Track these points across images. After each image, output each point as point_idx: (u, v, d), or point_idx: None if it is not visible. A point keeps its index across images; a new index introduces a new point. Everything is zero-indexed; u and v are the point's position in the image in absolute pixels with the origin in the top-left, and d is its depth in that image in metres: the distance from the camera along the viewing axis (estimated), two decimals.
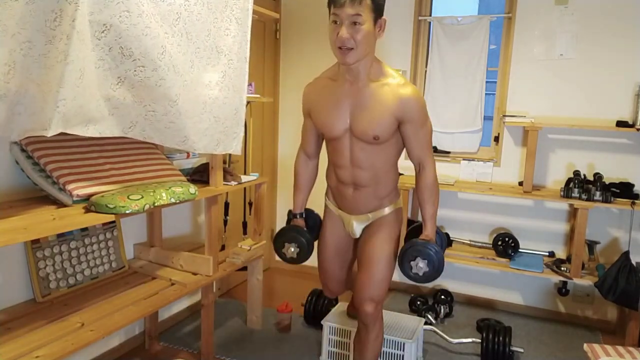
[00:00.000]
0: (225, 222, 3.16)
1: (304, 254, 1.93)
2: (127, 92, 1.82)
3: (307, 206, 2.17)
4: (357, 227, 1.97)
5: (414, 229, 1.94)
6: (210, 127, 2.23)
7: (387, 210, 1.91)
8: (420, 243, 1.74)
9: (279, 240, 1.95)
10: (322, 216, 2.15)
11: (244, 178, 2.80)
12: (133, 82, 1.80)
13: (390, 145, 1.79)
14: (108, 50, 1.69)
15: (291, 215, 2.03)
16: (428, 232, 1.81)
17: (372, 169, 1.81)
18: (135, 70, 1.78)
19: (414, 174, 3.68)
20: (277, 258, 4.14)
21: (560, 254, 3.31)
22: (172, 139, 2.07)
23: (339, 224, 2.00)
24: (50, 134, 1.54)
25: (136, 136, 1.95)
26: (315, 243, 2.07)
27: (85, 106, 1.65)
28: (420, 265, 1.73)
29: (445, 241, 1.94)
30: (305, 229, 1.96)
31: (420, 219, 1.94)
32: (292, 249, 1.91)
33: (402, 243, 1.94)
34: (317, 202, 2.23)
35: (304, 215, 2.02)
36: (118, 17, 1.65)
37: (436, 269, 1.74)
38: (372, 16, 1.60)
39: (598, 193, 2.93)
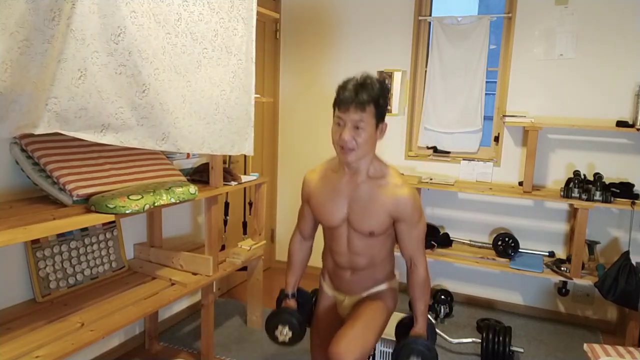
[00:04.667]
0: (225, 222, 3.16)
1: (296, 337, 1.93)
2: (154, 100, 1.81)
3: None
4: (351, 304, 1.97)
5: (403, 324, 1.95)
6: (224, 128, 2.24)
7: (382, 286, 1.94)
8: (412, 341, 1.77)
9: (273, 322, 1.93)
10: (311, 291, 2.15)
11: (244, 178, 2.80)
12: (157, 89, 1.79)
13: (386, 237, 1.84)
14: (128, 54, 1.68)
15: (282, 295, 2.02)
16: (418, 329, 1.82)
17: (369, 256, 1.85)
18: (155, 75, 1.78)
19: (413, 173, 3.69)
20: (277, 258, 4.18)
21: (560, 254, 3.31)
22: (194, 144, 2.08)
23: (332, 308, 2.01)
24: (38, 131, 1.50)
25: (170, 149, 1.94)
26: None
27: (91, 110, 1.63)
28: None
29: (435, 333, 2.03)
30: (296, 311, 1.96)
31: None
32: (285, 332, 1.90)
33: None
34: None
35: (295, 295, 2.02)
36: (129, 18, 1.65)
37: None
38: (374, 122, 1.67)
39: (598, 193, 2.93)
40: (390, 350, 2.40)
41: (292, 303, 1.99)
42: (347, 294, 1.96)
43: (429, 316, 1.91)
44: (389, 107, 3.53)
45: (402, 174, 3.37)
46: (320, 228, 1.98)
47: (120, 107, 1.72)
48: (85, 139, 1.65)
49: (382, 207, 1.74)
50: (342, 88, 1.67)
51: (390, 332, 2.42)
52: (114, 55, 1.65)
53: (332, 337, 1.78)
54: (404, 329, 1.91)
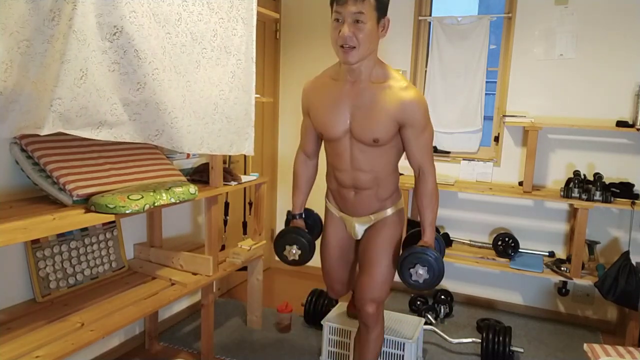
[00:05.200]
0: (225, 222, 3.16)
1: (306, 255, 1.90)
2: (150, 99, 1.81)
3: (307, 205, 2.16)
4: (359, 229, 1.96)
5: (412, 235, 1.91)
6: (223, 128, 2.24)
7: (389, 211, 1.90)
8: (419, 250, 1.72)
9: (280, 243, 1.91)
10: (321, 216, 2.15)
11: (244, 178, 2.80)
12: (153, 87, 1.80)
13: (391, 147, 1.77)
14: (123, 53, 1.68)
15: (290, 216, 2.00)
16: (427, 239, 1.79)
17: (372, 172, 1.79)
18: (153, 74, 1.78)
19: (413, 173, 3.68)
20: (277, 258, 4.18)
21: (560, 254, 3.31)
22: (193, 143, 2.08)
23: (340, 226, 1.99)
24: (44, 132, 1.51)
25: (163, 144, 1.95)
26: (317, 244, 2.06)
27: (91, 108, 1.64)
28: (420, 272, 1.70)
29: (444, 246, 1.93)
30: (305, 230, 1.94)
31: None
32: (294, 251, 1.88)
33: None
34: (315, 201, 2.23)
35: (303, 216, 2.00)
36: (128, 18, 1.65)
37: (436, 276, 1.71)
38: (376, 15, 1.58)
39: (598, 193, 2.93)
40: (393, 351, 2.40)
41: (300, 223, 1.98)
42: (354, 215, 1.92)
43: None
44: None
45: (402, 175, 3.34)
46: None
47: (115, 104, 1.73)
48: (83, 135, 1.66)
49: (386, 112, 1.65)
50: None
51: (391, 333, 2.43)
52: (108, 53, 1.65)
53: (343, 258, 1.91)
54: (413, 240, 1.88)
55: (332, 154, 1.84)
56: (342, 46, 1.59)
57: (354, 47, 1.58)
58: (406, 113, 1.67)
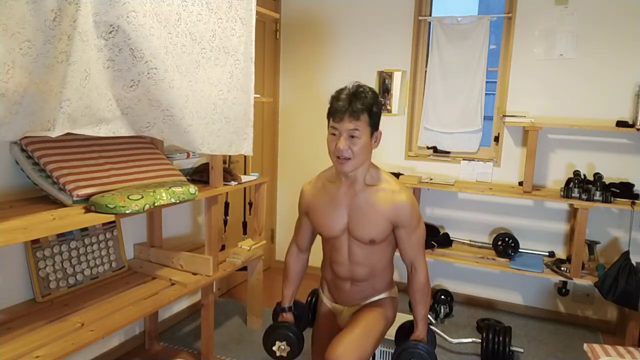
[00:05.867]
0: (225, 222, 3.16)
1: (294, 353, 1.91)
2: (143, 96, 1.82)
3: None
4: (350, 314, 1.96)
5: (403, 328, 1.95)
6: (222, 128, 2.24)
7: (382, 295, 1.94)
8: (411, 345, 1.77)
9: (270, 338, 1.90)
10: (310, 293, 2.16)
11: (244, 178, 2.80)
12: (148, 86, 1.80)
13: (387, 244, 1.84)
14: (118, 51, 1.69)
15: (279, 308, 2.01)
16: (419, 333, 1.83)
17: (369, 265, 1.85)
18: (148, 73, 1.79)
19: (413, 173, 3.68)
20: (277, 258, 4.18)
21: (560, 254, 3.31)
22: (193, 143, 2.09)
23: (332, 319, 2.00)
24: (55, 134, 1.54)
25: (154, 135, 1.97)
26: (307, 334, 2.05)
27: (93, 106, 1.65)
28: None
29: (435, 338, 2.01)
30: (293, 325, 1.94)
31: None
32: (283, 347, 1.89)
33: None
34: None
35: (292, 309, 2.02)
36: (125, 17, 1.66)
37: None
38: (369, 130, 1.68)
39: (598, 193, 2.93)
40: (390, 351, 2.40)
41: (289, 317, 1.98)
42: (346, 305, 1.95)
43: (430, 320, 1.91)
44: (389, 107, 3.53)
45: (398, 176, 3.35)
46: (319, 241, 1.97)
47: (109, 100, 1.75)
48: (86, 133, 1.68)
49: (381, 214, 1.75)
50: (335, 98, 1.69)
51: (391, 333, 2.42)
52: (103, 50, 1.66)
53: None
54: (404, 333, 1.90)
55: (330, 249, 1.90)
56: (338, 157, 1.68)
57: (349, 158, 1.67)
58: (399, 215, 1.75)
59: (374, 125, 1.70)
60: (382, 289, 1.93)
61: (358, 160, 1.69)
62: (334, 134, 1.69)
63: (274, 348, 1.91)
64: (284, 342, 1.90)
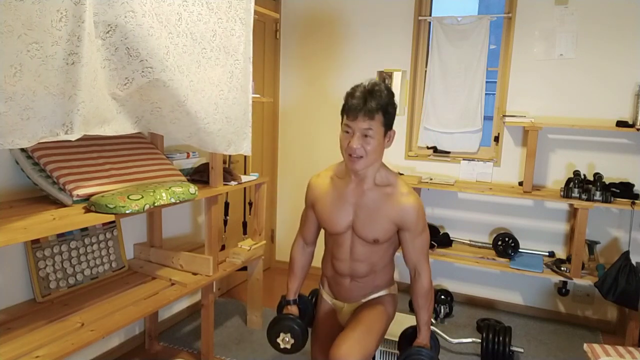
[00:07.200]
0: (225, 222, 3.16)
1: (298, 345, 1.90)
2: (135, 93, 1.83)
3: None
4: (350, 310, 1.96)
5: (406, 334, 1.94)
6: (222, 128, 2.24)
7: (382, 292, 1.93)
8: (414, 351, 1.76)
9: (275, 330, 1.90)
10: (310, 292, 2.15)
11: (244, 178, 2.80)
12: (141, 84, 1.80)
13: (389, 244, 1.84)
14: (114, 50, 1.69)
15: (284, 301, 2.01)
16: (422, 338, 1.82)
17: (370, 263, 1.85)
18: (143, 72, 1.78)
19: (413, 173, 3.68)
20: (277, 258, 4.18)
21: (560, 254, 3.31)
22: (178, 133, 2.09)
23: (332, 315, 2.00)
24: (74, 137, 1.54)
25: (142, 129, 1.97)
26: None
27: (100, 107, 1.66)
28: None
29: (439, 344, 1.99)
30: (298, 318, 1.93)
31: None
32: (287, 339, 1.89)
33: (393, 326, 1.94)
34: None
35: (297, 302, 2.01)
36: (123, 17, 1.65)
37: None
38: (383, 130, 1.67)
39: (598, 193, 2.93)
40: (392, 351, 2.40)
41: (293, 309, 1.98)
42: (346, 302, 1.95)
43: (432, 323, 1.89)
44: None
45: (403, 175, 3.34)
46: (321, 234, 1.97)
47: (109, 100, 1.75)
48: (95, 133, 1.69)
49: (387, 215, 1.74)
50: (350, 95, 1.66)
51: (390, 332, 2.42)
52: (100, 50, 1.66)
53: (332, 343, 1.76)
54: (408, 339, 1.89)
55: (333, 244, 1.90)
56: (350, 155, 1.67)
57: (362, 157, 1.66)
58: (405, 218, 1.74)
59: (389, 125, 1.68)
60: (383, 286, 1.93)
61: (370, 159, 1.67)
62: (347, 132, 1.67)
63: (278, 340, 1.90)
64: (288, 334, 1.88)
